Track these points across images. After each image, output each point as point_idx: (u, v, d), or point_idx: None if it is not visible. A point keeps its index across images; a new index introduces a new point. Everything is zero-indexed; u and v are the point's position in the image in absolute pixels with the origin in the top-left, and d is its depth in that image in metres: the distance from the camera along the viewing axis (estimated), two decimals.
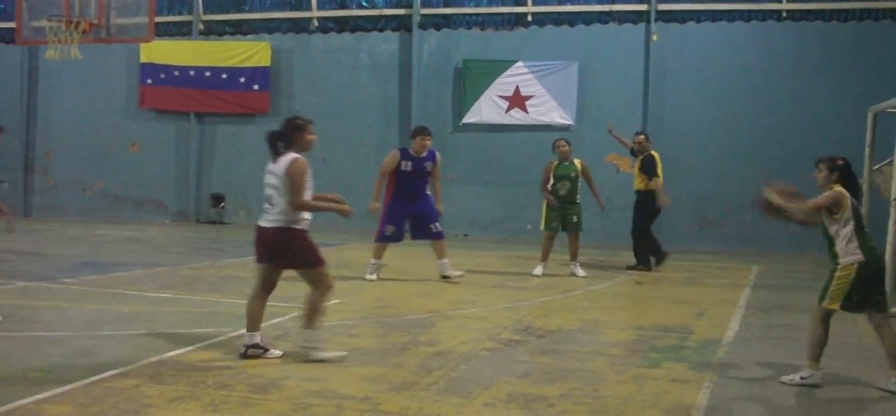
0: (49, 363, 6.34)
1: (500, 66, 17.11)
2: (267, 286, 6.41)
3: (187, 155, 19.39)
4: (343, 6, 18.51)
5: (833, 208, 5.91)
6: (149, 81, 19.43)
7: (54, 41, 15.71)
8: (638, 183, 12.42)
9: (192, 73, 19.07)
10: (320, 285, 6.32)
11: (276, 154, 6.34)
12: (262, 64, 18.60)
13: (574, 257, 11.68)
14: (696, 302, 9.79)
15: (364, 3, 18.35)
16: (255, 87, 18.65)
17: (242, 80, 18.73)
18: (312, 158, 6.71)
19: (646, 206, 12.26)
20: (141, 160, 19.77)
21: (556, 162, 11.69)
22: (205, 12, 19.22)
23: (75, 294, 9.41)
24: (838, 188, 5.99)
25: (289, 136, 6.39)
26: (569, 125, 16.59)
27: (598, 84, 16.81)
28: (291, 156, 6.24)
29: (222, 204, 19.33)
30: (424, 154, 10.70)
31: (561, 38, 17.12)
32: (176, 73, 19.24)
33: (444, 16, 17.84)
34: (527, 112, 16.81)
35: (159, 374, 6.08)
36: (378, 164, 11.35)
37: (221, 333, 7.40)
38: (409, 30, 17.88)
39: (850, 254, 5.92)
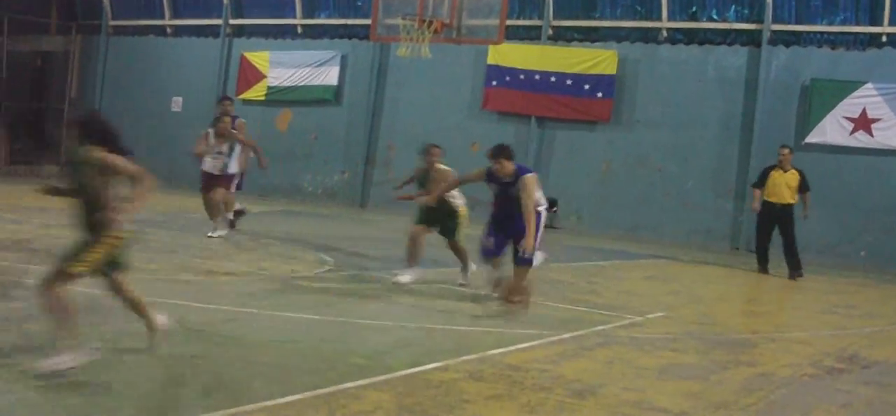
0: (373, 351, 8.71)
1: (849, 87, 23.00)
2: None
3: (525, 158, 26.38)
4: (694, 18, 25.08)
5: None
6: (494, 83, 26.91)
7: (407, 39, 22.67)
8: (790, 197, 18.47)
9: (537, 77, 26.35)
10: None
11: None
12: (607, 72, 25.61)
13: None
14: None
15: (715, 16, 24.65)
16: (599, 94, 25.61)
17: (587, 87, 25.74)
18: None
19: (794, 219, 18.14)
20: (479, 161, 26.93)
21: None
22: (555, 18, 26.40)
23: (399, 287, 12.62)
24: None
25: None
26: None
27: None
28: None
29: (555, 209, 26.23)
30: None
31: None
32: (521, 76, 26.53)
33: (795, 32, 24.08)
34: (872, 136, 22.62)
35: (479, 371, 8.18)
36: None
37: (543, 336, 10.08)
38: (758, 45, 24.25)
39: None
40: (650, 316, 12.08)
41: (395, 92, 28.88)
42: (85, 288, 10.83)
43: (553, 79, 26.22)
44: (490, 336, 9.94)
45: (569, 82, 26.06)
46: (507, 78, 26.79)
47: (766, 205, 18.49)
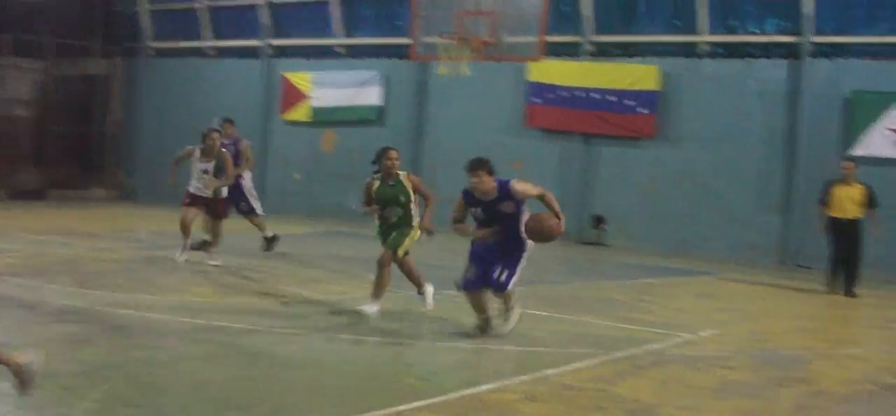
0: (427, 372, 8.89)
1: (893, 98, 22.89)
2: None
3: (570, 175, 26.62)
4: (732, 31, 25.06)
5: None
6: (536, 100, 27.07)
7: (446, 58, 22.92)
8: (856, 211, 18.02)
9: (579, 93, 26.31)
10: None
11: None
12: (650, 87, 25.65)
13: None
14: None
15: (754, 29, 24.68)
16: (643, 110, 25.56)
17: (630, 103, 25.75)
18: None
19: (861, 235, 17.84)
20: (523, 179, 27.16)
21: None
22: (595, 33, 26.47)
23: (453, 308, 12.21)
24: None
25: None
26: None
27: None
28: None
29: (603, 225, 26.28)
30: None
31: None
32: (563, 93, 26.67)
33: (835, 44, 24.05)
34: None
35: (535, 391, 8.26)
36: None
37: (596, 354, 10.21)
38: (799, 57, 24.23)
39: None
40: (702, 334, 12.10)
41: (437, 111, 29.05)
42: (142, 312, 11.15)
43: (596, 95, 26.24)
44: (544, 356, 10.07)
45: (612, 98, 26.08)
46: (549, 95, 26.86)
47: (833, 221, 18.05)
